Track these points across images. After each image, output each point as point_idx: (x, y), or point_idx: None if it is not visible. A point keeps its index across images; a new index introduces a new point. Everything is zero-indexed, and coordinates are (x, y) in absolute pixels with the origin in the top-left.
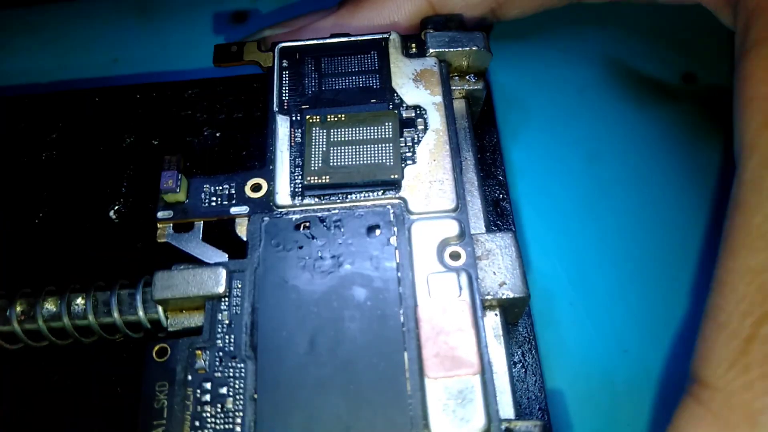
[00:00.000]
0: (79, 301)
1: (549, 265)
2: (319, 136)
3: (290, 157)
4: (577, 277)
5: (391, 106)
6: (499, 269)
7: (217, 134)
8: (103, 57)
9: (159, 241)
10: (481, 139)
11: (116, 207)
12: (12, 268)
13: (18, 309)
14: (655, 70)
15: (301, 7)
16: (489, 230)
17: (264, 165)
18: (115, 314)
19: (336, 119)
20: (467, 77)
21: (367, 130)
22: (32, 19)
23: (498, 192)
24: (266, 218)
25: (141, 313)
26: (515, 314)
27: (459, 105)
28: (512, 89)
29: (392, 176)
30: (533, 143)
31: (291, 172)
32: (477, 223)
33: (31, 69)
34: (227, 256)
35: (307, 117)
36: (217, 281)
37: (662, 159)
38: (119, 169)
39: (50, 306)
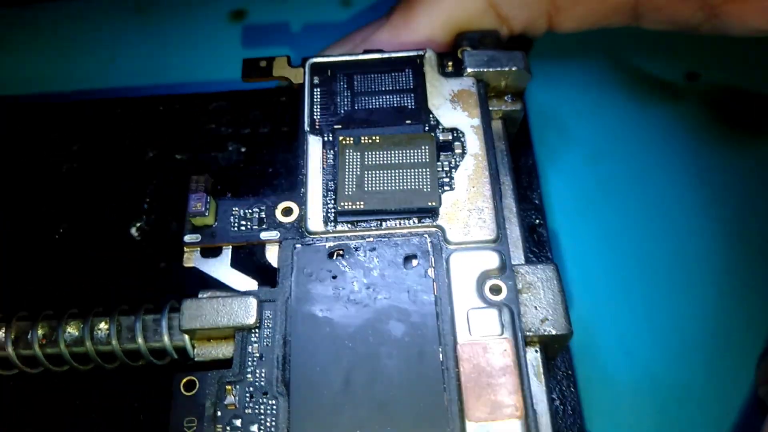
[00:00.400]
0: (103, 325)
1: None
2: (352, 159)
3: (322, 180)
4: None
5: (427, 128)
6: (541, 304)
7: (242, 149)
8: (100, 55)
9: (186, 266)
10: (516, 160)
11: (138, 224)
12: (32, 285)
13: (40, 332)
14: (658, 69)
15: (300, 4)
16: (528, 261)
17: (293, 185)
18: (140, 340)
19: (370, 141)
20: (505, 97)
21: (402, 153)
22: (29, 17)
23: (534, 217)
24: (298, 245)
25: (166, 340)
26: (555, 349)
27: (495, 125)
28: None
29: (430, 203)
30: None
31: (324, 196)
32: (516, 252)
33: (27, 67)
34: (257, 283)
35: (340, 138)
36: (247, 312)
37: (665, 158)
38: (141, 184)
39: (73, 330)
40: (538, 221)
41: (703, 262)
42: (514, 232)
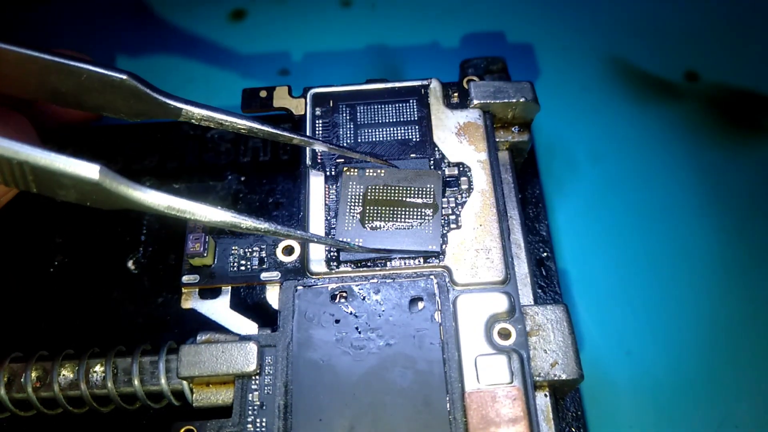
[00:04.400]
0: (98, 368)
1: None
2: (355, 191)
3: (325, 218)
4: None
5: (432, 162)
6: (551, 347)
7: (242, 178)
8: (99, 55)
9: (184, 307)
10: (522, 190)
11: (136, 256)
12: (27, 319)
13: (33, 375)
14: (658, 69)
15: (300, 4)
16: (537, 296)
17: (294, 216)
18: (136, 384)
19: (374, 174)
20: (512, 128)
21: (407, 190)
22: (28, 17)
23: (542, 249)
24: (299, 287)
25: (164, 383)
26: (565, 391)
27: (502, 156)
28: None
29: (430, 247)
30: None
31: (326, 234)
32: (524, 290)
33: None
34: (257, 326)
35: (344, 169)
36: (247, 359)
37: (665, 158)
38: (138, 214)
39: (67, 373)
40: (546, 254)
41: (704, 261)
42: (522, 268)
